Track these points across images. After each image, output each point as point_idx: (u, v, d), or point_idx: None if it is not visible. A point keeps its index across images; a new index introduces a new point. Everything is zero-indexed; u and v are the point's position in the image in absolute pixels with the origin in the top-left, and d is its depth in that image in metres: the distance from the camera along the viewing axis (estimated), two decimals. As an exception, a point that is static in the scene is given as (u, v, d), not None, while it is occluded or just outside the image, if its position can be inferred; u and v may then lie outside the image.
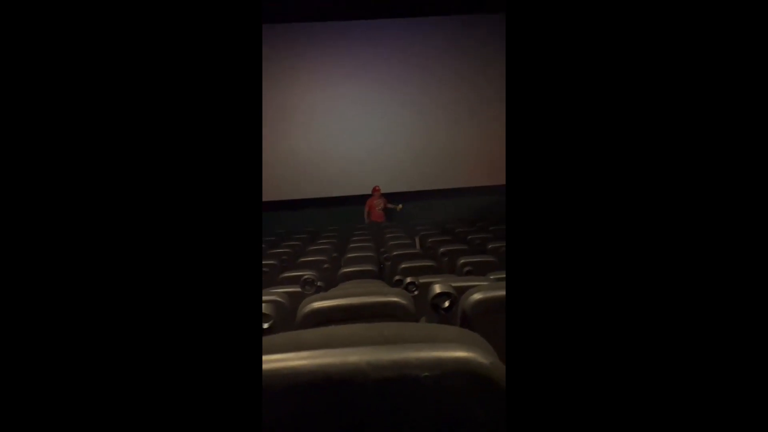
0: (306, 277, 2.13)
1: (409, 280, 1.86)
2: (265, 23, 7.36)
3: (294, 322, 1.15)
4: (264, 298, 1.49)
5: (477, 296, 1.14)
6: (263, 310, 1.18)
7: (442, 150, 8.04)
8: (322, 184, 7.95)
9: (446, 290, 1.39)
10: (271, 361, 0.53)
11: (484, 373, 0.51)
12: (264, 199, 7.61)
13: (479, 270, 2.84)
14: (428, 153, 8.04)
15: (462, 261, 3.01)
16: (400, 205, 7.36)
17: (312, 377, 0.51)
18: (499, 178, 7.79)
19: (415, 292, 1.78)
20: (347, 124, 7.99)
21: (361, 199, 7.62)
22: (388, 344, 0.54)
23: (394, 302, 1.16)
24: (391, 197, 7.48)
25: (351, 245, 4.80)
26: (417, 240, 5.44)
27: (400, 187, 7.79)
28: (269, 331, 1.19)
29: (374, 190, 7.41)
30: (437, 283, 1.44)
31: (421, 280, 1.86)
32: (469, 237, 4.99)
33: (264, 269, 3.39)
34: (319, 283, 2.13)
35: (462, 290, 1.29)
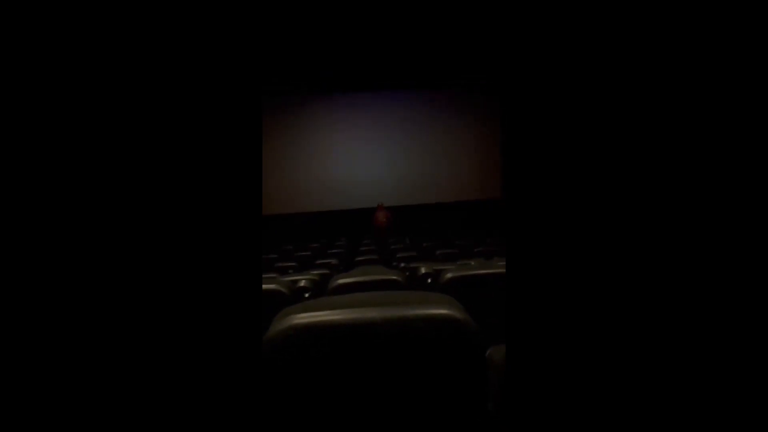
0: (333, 262, 2.13)
1: (402, 265, 1.86)
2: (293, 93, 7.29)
3: (326, 292, 1.15)
4: (305, 277, 1.49)
5: (449, 275, 1.14)
6: (305, 285, 1.18)
7: (422, 174, 8.04)
8: (340, 199, 7.93)
9: (428, 271, 1.39)
10: (314, 317, 0.53)
11: (459, 323, 0.52)
12: (305, 210, 7.59)
13: (449, 258, 2.83)
14: (414, 177, 8.04)
15: (438, 252, 3.00)
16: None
17: (343, 327, 0.52)
18: (461, 196, 7.78)
19: (407, 273, 1.78)
20: (362, 160, 7.97)
21: (369, 211, 7.60)
22: (394, 305, 0.54)
23: (394, 279, 1.17)
24: (388, 210, 7.43)
25: (363, 241, 4.79)
26: (407, 239, 5.43)
27: (395, 202, 7.77)
28: (309, 298, 1.19)
29: (379, 206, 7.28)
30: (422, 266, 1.44)
31: (411, 265, 1.86)
32: (443, 236, 4.97)
33: (307, 253, 3.37)
34: (341, 267, 2.12)
35: (438, 271, 1.29)
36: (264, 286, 0.97)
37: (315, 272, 1.75)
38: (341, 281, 1.12)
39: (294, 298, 1.04)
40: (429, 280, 1.36)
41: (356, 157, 7.95)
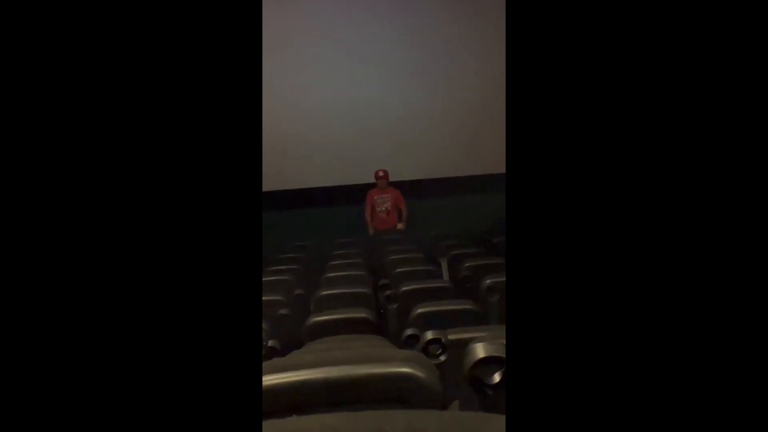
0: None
1: (430, 335, 1.86)
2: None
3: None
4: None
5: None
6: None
7: (476, 122, 8.18)
8: (284, 172, 8.01)
9: (496, 353, 1.39)
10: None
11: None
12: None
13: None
14: (456, 125, 8.22)
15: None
16: (401, 225, 7.31)
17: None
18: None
19: (442, 358, 1.78)
20: (330, 81, 8.20)
21: (348, 194, 7.68)
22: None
23: (404, 374, 1.18)
24: (397, 185, 7.47)
25: (328, 274, 4.80)
26: (444, 263, 5.44)
27: (412, 174, 7.85)
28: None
29: (377, 176, 7.34)
30: (480, 341, 1.45)
31: (453, 336, 1.87)
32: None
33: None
34: (271, 343, 2.13)
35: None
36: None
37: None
38: (268, 382, 1.14)
39: None
40: (497, 378, 1.37)
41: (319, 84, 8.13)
